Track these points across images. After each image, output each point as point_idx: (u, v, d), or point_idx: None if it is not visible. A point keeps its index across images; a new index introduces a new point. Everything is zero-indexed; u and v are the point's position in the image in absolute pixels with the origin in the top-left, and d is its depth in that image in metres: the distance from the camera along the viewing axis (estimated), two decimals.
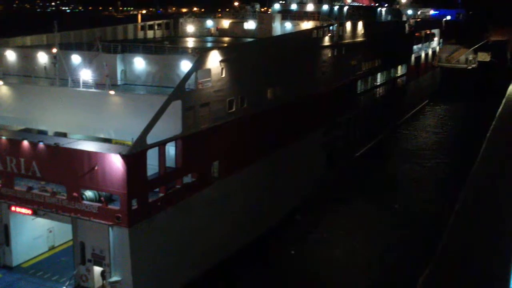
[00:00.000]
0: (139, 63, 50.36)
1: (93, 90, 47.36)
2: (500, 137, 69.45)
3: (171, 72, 48.89)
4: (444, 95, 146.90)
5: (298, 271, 52.84)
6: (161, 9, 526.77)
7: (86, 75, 48.33)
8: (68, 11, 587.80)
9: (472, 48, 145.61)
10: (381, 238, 60.15)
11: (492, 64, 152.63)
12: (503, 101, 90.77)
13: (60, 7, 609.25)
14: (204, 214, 47.69)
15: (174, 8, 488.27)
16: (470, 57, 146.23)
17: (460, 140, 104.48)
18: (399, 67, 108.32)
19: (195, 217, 46.56)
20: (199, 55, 46.57)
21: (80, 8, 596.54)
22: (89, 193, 41.71)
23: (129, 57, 50.78)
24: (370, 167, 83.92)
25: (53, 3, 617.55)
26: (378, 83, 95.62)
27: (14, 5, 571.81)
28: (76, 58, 51.51)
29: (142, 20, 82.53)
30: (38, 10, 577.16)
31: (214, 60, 47.50)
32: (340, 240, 60.06)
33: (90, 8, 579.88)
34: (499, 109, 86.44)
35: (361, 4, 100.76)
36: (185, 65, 47.68)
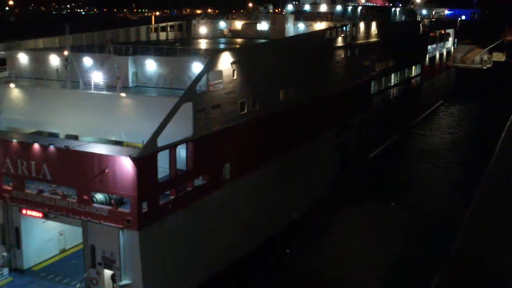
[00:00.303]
0: (151, 65, 50.18)
1: (104, 92, 47.21)
2: None
3: (183, 74, 48.64)
4: (458, 95, 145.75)
5: (309, 272, 52.33)
6: (175, 11, 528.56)
7: (97, 77, 48.22)
8: (83, 13, 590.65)
9: (487, 48, 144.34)
10: (395, 238, 59.59)
11: (507, 64, 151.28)
12: None
13: (75, 9, 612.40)
14: (215, 216, 47.40)
15: (188, 10, 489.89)
16: (485, 57, 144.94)
17: (474, 140, 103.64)
18: (413, 68, 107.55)
19: (206, 219, 46.26)
20: (210, 56, 46.33)
21: (95, 10, 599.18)
22: (99, 196, 41.55)
23: (140, 59, 50.62)
24: (384, 168, 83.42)
25: (68, 6, 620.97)
26: (392, 84, 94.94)
27: (30, 8, 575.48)
28: (87, 61, 51.41)
29: (156, 22, 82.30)
30: (54, 12, 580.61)
31: (225, 62, 47.24)
32: (352, 241, 59.56)
33: (105, 10, 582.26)
34: None
35: (375, 5, 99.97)
36: (197, 67, 47.44)
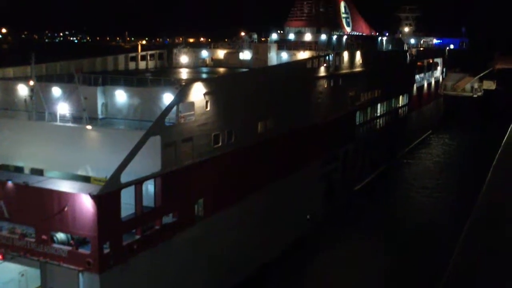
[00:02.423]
0: (121, 96, 48.17)
1: (69, 124, 45.14)
2: (507, 165, 66.97)
3: (154, 105, 46.61)
4: (448, 125, 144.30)
5: None
6: (168, 39, 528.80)
7: (63, 108, 46.17)
8: (75, 41, 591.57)
9: (478, 76, 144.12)
10: (382, 273, 57.47)
11: (498, 92, 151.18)
12: (509, 130, 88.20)
13: (68, 38, 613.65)
14: (187, 256, 44.88)
15: (181, 38, 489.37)
16: (476, 85, 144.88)
17: (464, 171, 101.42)
18: (401, 97, 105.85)
19: (176, 260, 43.68)
20: (181, 87, 44.35)
21: (88, 38, 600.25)
22: (61, 236, 39.10)
23: (110, 89, 48.67)
24: (371, 199, 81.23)
25: (61, 34, 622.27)
26: (379, 114, 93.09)
27: (23, 36, 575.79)
28: (56, 91, 49.48)
29: (146, 50, 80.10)
30: (47, 40, 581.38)
31: (197, 93, 45.18)
32: (338, 276, 57.30)
33: (98, 38, 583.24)
34: (504, 139, 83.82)
35: (361, 34, 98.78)
36: (168, 98, 45.46)
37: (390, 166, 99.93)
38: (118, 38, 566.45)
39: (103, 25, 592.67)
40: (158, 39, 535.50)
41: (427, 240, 65.77)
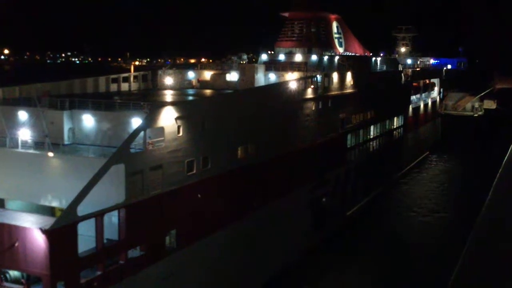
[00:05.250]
0: (88, 121, 45.56)
1: (31, 151, 42.40)
2: (508, 184, 64.44)
3: (122, 130, 44.00)
4: (446, 145, 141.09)
5: None
6: (169, 60, 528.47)
7: (26, 134, 43.50)
8: (77, 62, 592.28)
9: (478, 96, 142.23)
10: None
11: (498, 111, 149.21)
12: (510, 149, 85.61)
13: (70, 58, 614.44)
14: None
15: (182, 59, 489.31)
16: (476, 104, 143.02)
17: (462, 194, 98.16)
18: (395, 119, 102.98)
19: None
20: (149, 112, 41.69)
21: (89, 59, 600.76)
22: (15, 273, 36.29)
23: (77, 113, 46.07)
24: (363, 226, 78.06)
25: (63, 55, 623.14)
26: (372, 136, 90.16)
27: (25, 57, 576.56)
28: (22, 115, 46.86)
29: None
30: (48, 61, 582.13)
31: (168, 117, 42.54)
32: None
33: (100, 59, 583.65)
34: (505, 158, 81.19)
35: (353, 54, 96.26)
36: (136, 123, 42.92)
37: (386, 188, 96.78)
38: (119, 59, 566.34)
39: (105, 46, 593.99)
40: (160, 60, 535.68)
41: (425, 262, 64.16)
